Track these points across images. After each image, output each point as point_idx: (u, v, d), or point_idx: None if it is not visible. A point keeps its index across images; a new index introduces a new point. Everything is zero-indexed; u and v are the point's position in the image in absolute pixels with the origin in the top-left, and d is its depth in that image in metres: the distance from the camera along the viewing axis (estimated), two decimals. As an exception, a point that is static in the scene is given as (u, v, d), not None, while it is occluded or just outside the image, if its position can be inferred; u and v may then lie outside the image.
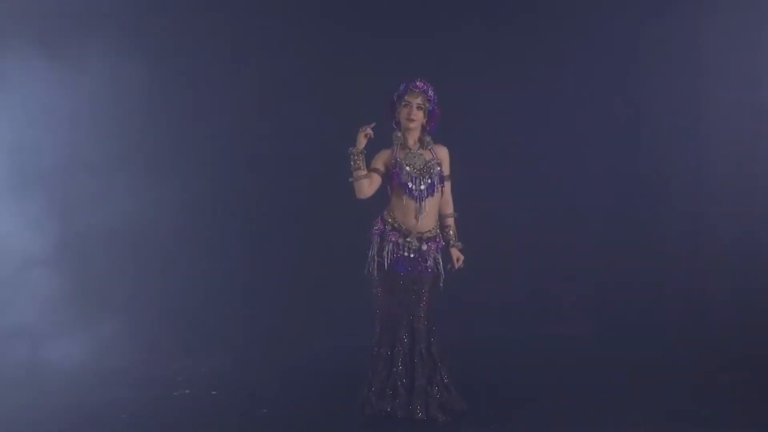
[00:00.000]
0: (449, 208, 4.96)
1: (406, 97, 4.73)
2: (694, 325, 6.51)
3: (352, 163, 4.71)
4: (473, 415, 4.81)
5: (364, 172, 4.73)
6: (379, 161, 4.82)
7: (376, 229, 4.80)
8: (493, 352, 6.26)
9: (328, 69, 6.73)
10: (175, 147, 6.66)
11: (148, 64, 6.49)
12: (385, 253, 4.74)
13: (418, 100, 4.73)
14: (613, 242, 6.89)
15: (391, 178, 4.77)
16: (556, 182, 6.92)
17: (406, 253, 4.75)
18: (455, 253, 4.92)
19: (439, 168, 4.78)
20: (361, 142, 4.70)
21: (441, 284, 4.85)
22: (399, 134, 4.82)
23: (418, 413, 4.70)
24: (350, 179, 4.74)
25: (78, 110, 6.38)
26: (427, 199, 4.74)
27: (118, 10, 6.42)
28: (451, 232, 4.94)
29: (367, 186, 4.74)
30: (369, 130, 4.71)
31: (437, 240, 4.84)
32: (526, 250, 6.96)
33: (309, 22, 6.80)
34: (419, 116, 4.77)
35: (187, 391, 5.46)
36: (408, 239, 4.73)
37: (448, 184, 4.91)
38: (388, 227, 4.77)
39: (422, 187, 4.75)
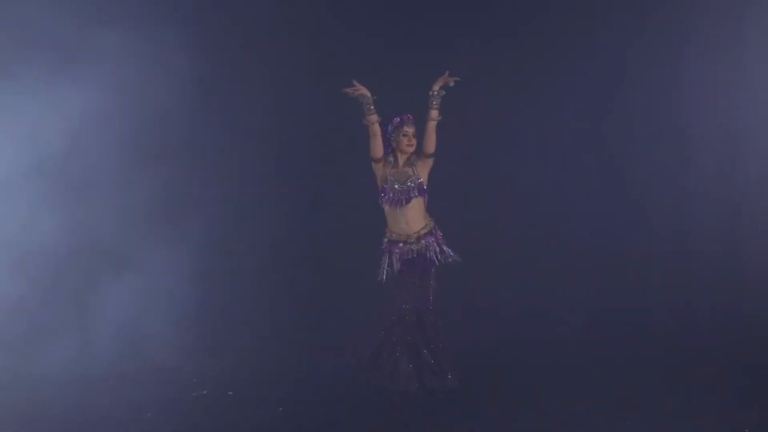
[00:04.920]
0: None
1: (405, 129, 5.57)
2: (682, 326, 6.78)
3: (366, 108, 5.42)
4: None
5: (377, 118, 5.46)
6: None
7: (384, 246, 5.61)
8: (487, 352, 6.42)
9: (325, 71, 6.83)
10: (174, 149, 6.88)
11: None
12: (392, 260, 5.55)
13: (412, 129, 5.60)
14: (604, 246, 7.10)
15: (384, 193, 5.54)
16: (548, 189, 7.13)
17: (409, 256, 5.55)
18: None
19: (419, 180, 5.54)
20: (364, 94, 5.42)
21: (445, 260, 5.53)
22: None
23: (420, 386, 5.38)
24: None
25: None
26: (406, 205, 5.51)
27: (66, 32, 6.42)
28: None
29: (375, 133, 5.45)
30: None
31: (434, 233, 5.58)
32: (519, 254, 7.16)
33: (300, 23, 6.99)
34: (414, 142, 5.61)
35: (205, 392, 5.64)
36: (409, 243, 5.49)
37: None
38: (388, 241, 5.59)
39: (400, 195, 5.50)
